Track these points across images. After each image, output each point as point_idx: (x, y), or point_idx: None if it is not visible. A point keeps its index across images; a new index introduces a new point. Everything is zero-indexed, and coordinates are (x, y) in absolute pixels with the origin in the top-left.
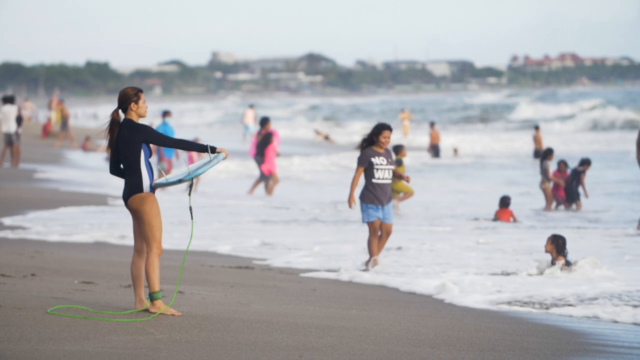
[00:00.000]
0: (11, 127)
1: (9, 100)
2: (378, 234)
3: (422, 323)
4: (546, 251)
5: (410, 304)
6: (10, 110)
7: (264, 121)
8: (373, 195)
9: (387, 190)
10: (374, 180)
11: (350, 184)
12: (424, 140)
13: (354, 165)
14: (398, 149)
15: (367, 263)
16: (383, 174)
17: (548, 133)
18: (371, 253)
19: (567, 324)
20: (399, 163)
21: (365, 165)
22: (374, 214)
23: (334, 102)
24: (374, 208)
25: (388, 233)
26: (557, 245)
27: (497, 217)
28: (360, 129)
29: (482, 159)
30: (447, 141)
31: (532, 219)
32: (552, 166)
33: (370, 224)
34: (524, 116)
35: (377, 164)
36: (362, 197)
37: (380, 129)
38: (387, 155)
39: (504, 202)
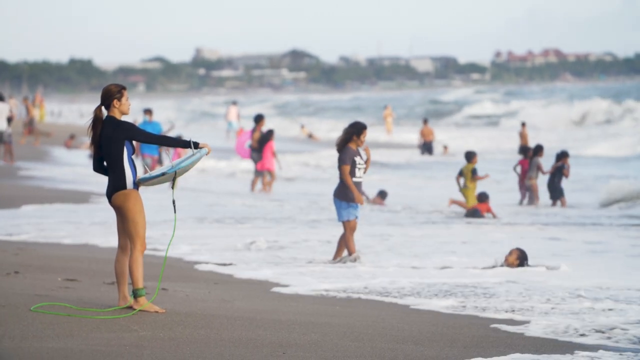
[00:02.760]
0: (2, 125)
1: (1, 98)
2: (354, 232)
3: (406, 319)
4: (508, 263)
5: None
6: (2, 108)
7: (258, 118)
8: (353, 194)
9: (361, 188)
10: (354, 179)
11: (348, 184)
12: (407, 137)
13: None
14: (470, 155)
15: (335, 259)
16: (361, 172)
17: (485, 129)
18: (350, 250)
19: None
20: (473, 172)
21: (350, 164)
22: (353, 213)
23: (310, 98)
24: (354, 206)
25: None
26: (522, 260)
27: (475, 209)
28: (325, 128)
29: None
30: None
31: (521, 216)
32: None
33: (349, 223)
34: (469, 113)
35: (358, 163)
36: (341, 195)
37: (362, 128)
38: (360, 153)
39: (480, 197)
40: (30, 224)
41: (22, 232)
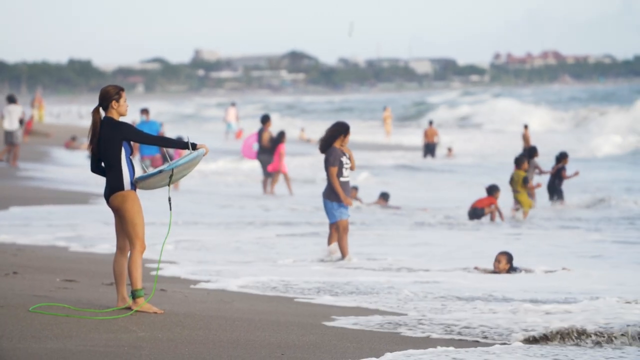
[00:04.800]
0: (13, 125)
1: (13, 100)
2: (347, 231)
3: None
4: (499, 269)
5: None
6: (15, 109)
7: (265, 119)
8: (340, 196)
9: (349, 188)
10: (341, 179)
11: (335, 186)
12: (406, 139)
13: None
14: (520, 161)
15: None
16: (347, 172)
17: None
18: (343, 251)
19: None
20: (524, 181)
21: (337, 165)
22: (345, 212)
23: (303, 100)
24: (345, 206)
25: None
26: (511, 263)
27: (475, 206)
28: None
29: (477, 159)
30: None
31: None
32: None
33: (341, 222)
34: (439, 116)
35: (345, 163)
36: (330, 196)
37: (348, 128)
38: (344, 153)
39: (488, 189)
40: (21, 223)
41: (18, 232)
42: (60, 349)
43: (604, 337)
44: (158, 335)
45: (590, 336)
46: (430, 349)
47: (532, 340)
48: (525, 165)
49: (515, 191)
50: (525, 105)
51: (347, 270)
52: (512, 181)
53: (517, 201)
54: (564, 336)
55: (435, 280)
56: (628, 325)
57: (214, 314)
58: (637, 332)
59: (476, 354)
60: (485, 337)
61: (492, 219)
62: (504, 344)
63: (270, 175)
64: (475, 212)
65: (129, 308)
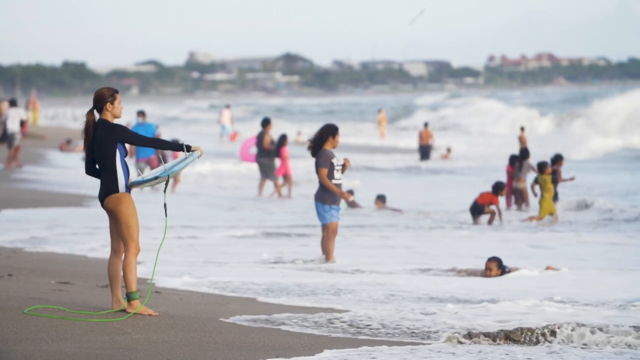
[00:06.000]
0: (15, 127)
1: (14, 103)
2: (336, 234)
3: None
4: (491, 276)
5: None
6: (17, 112)
7: (265, 122)
8: (334, 197)
9: (341, 190)
10: (333, 181)
11: (327, 186)
12: (401, 142)
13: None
14: (543, 166)
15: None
16: (339, 174)
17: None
18: (328, 253)
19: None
20: (554, 181)
21: (328, 167)
22: (336, 215)
23: (295, 102)
24: (336, 209)
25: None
26: (502, 268)
27: (476, 202)
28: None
29: (473, 160)
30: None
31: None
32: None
33: (331, 225)
34: (419, 118)
35: (336, 165)
36: (322, 199)
37: (336, 129)
38: (335, 155)
39: (494, 187)
40: (15, 226)
41: (14, 235)
42: (56, 351)
43: (516, 335)
44: (153, 337)
45: (510, 335)
46: (364, 348)
47: (456, 340)
48: (549, 169)
49: (540, 196)
50: (507, 108)
51: (319, 272)
52: (539, 186)
53: (539, 205)
54: (487, 336)
55: (394, 283)
56: (547, 326)
57: (209, 316)
58: (548, 331)
59: (399, 353)
60: (414, 336)
61: (490, 222)
62: (428, 343)
63: (272, 178)
64: (476, 207)
65: (124, 311)
